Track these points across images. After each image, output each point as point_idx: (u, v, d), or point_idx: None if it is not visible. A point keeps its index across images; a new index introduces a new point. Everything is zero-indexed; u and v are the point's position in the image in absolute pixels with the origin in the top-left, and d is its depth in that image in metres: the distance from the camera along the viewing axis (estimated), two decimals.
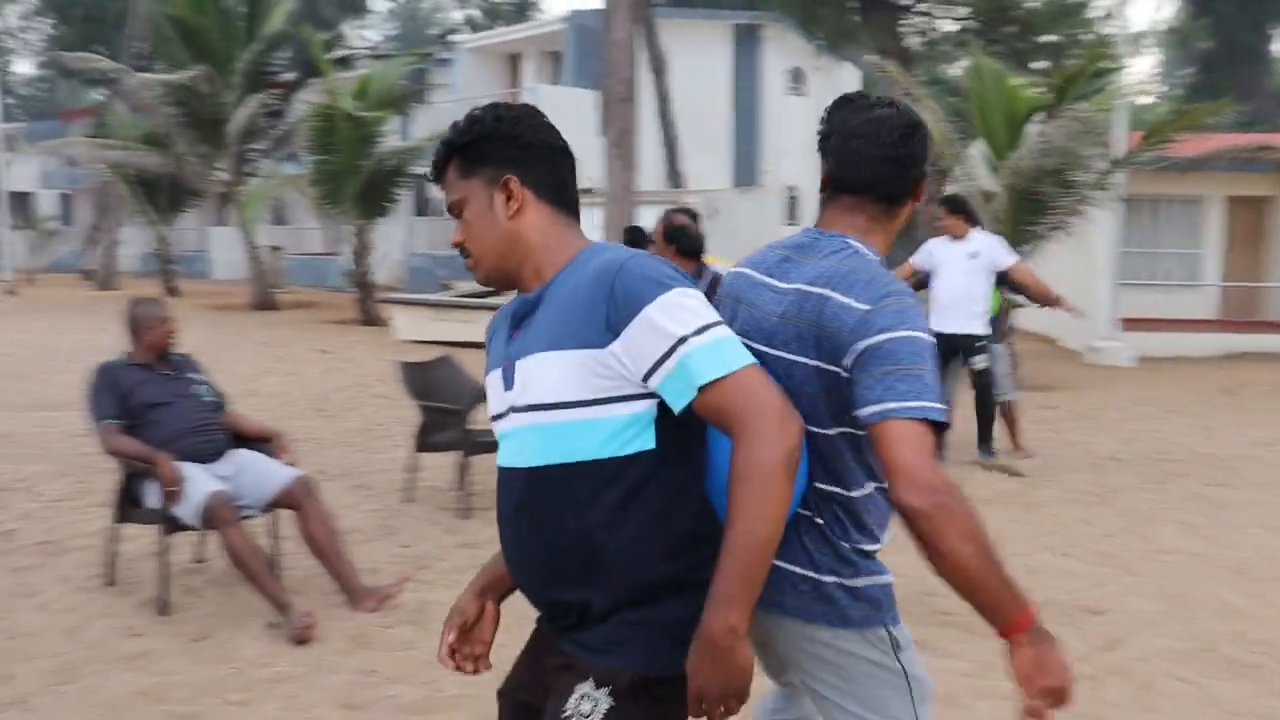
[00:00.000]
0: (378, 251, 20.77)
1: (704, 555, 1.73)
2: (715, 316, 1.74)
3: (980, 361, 7.40)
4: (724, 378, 1.68)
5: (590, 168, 22.38)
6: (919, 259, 7.54)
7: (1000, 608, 1.73)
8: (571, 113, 24.00)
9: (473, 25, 40.74)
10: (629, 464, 1.75)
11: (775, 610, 1.92)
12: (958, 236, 7.41)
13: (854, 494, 1.92)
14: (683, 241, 5.11)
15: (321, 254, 29.38)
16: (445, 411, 6.23)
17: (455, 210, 1.89)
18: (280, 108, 20.37)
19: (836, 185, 2.03)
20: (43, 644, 4.08)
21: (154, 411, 4.51)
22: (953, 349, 7.23)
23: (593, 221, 15.11)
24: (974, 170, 12.31)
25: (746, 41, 26.97)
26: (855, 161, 1.99)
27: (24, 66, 54.89)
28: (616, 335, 1.71)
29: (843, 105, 2.06)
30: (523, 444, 1.82)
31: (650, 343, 1.70)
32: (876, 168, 1.98)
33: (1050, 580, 5.00)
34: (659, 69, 20.84)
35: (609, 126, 12.65)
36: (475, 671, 2.10)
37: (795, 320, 1.91)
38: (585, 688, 1.77)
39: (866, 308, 1.82)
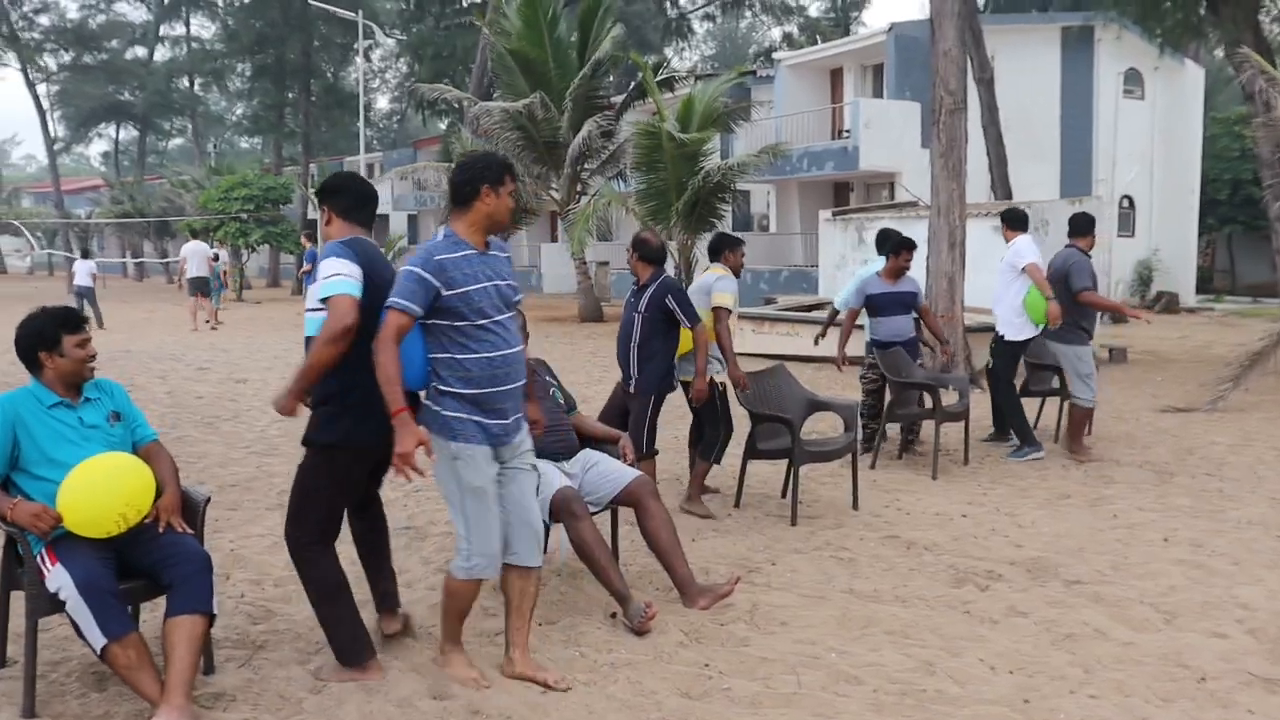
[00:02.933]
0: (701, 266, 21.35)
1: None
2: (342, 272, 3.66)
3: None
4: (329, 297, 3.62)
5: (911, 181, 22.01)
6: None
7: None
8: (894, 125, 23.70)
9: (790, 42, 41.02)
10: None
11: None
12: (1007, 241, 8.41)
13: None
14: (643, 251, 6.21)
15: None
16: (776, 420, 6.33)
17: None
18: (610, 128, 21.37)
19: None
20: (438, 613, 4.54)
21: None
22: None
23: (918, 234, 14.80)
24: None
25: (1077, 44, 25.53)
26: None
27: (382, 102, 60.63)
28: None
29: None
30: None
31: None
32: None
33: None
34: (986, 78, 20.12)
35: (936, 138, 12.33)
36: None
37: None
38: None
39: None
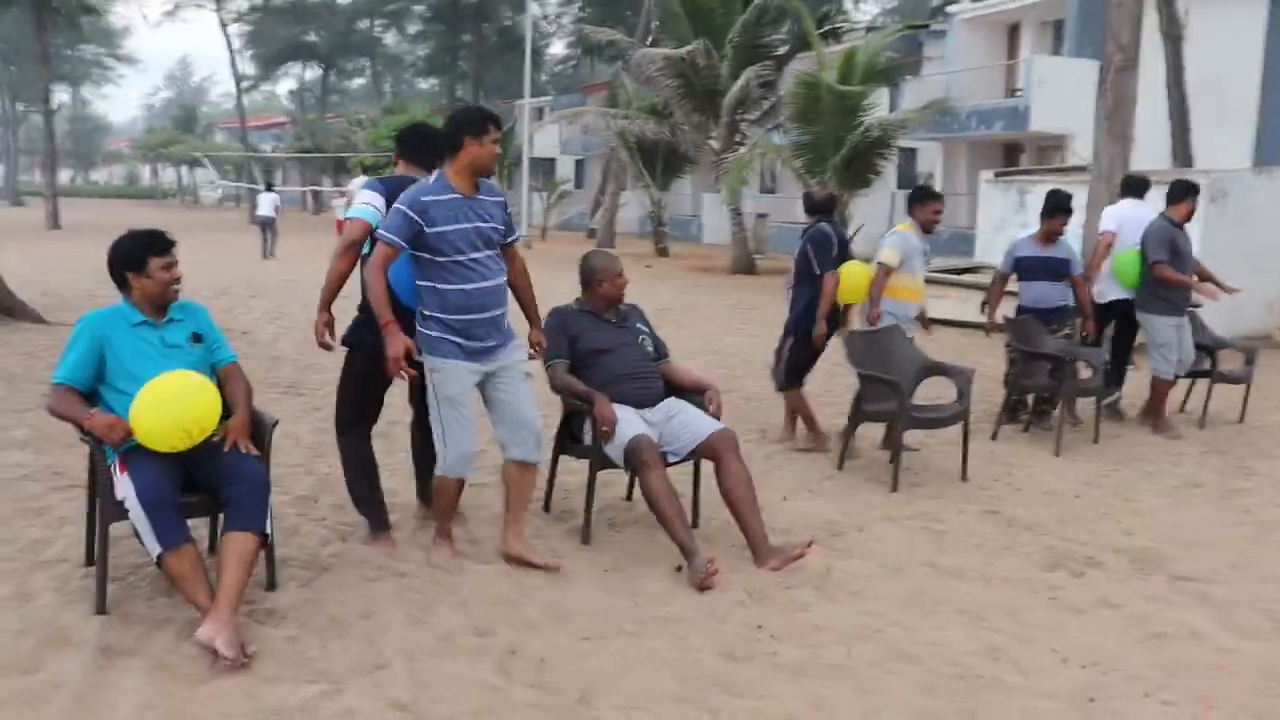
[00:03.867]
0: (857, 223, 20.86)
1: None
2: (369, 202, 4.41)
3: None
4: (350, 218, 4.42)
5: (1085, 144, 20.82)
6: None
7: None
8: (1069, 84, 22.42)
9: None
10: None
11: None
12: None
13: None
14: (805, 202, 7.02)
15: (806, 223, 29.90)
16: (884, 382, 6.10)
17: None
18: (772, 79, 20.96)
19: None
20: (487, 560, 4.59)
21: (598, 356, 4.85)
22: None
23: (1081, 200, 14.04)
24: None
25: None
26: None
27: (558, 47, 61.08)
28: None
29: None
30: None
31: None
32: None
33: None
34: (1174, 34, 18.78)
35: (1103, 97, 11.60)
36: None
37: None
38: None
39: None
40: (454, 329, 4.19)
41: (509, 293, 4.44)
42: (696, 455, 4.76)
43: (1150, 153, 21.72)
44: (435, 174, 4.23)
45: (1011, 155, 26.31)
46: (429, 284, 4.20)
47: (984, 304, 8.60)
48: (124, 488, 3.57)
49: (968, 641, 3.88)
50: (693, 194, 35.38)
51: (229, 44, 46.66)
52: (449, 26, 39.73)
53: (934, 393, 7.29)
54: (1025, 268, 7.66)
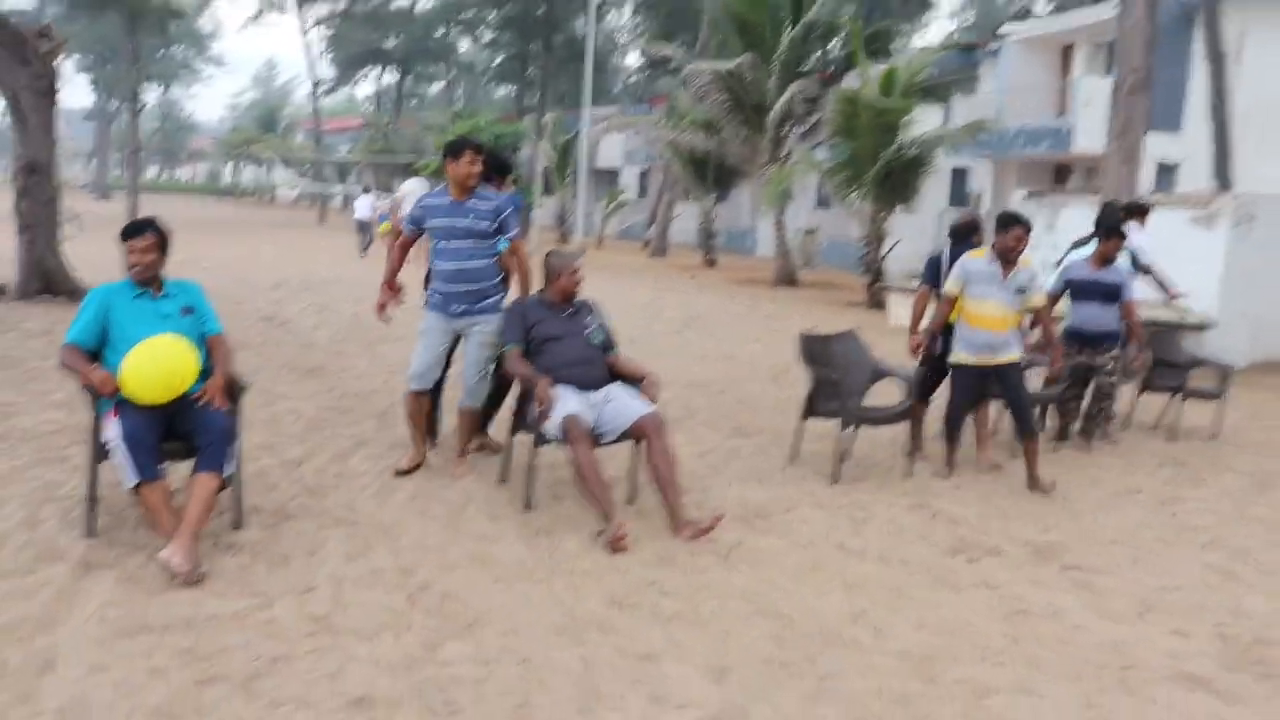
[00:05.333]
0: (900, 240, 21.15)
1: None
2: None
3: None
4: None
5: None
6: None
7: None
8: None
9: (1028, 15, 39.10)
10: None
11: None
12: None
13: None
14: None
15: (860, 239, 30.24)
16: (827, 379, 6.58)
17: None
18: (815, 95, 21.38)
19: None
20: (449, 515, 5.19)
21: (549, 343, 5.44)
22: None
23: (1075, 218, 14.21)
24: None
25: None
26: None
27: (632, 58, 61.89)
28: None
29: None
30: None
31: None
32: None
33: None
34: (1216, 58, 18.84)
35: (1115, 117, 11.91)
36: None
37: None
38: None
39: None
40: (438, 291, 5.83)
41: (493, 273, 5.82)
42: (628, 435, 5.31)
43: (1197, 175, 21.76)
44: (441, 184, 5.95)
45: (1062, 175, 26.39)
46: (433, 259, 5.84)
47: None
48: (111, 430, 4.25)
49: (840, 608, 4.36)
50: (751, 207, 35.82)
51: (307, 48, 48.26)
52: (519, 35, 40.77)
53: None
54: (1077, 289, 7.65)
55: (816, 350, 6.86)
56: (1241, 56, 23.13)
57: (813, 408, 6.77)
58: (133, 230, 4.65)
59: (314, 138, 48.76)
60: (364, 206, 23.95)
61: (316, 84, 45.30)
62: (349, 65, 56.34)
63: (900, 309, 15.71)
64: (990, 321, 6.60)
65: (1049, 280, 7.83)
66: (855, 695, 3.58)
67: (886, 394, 7.36)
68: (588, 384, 5.40)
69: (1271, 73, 23.29)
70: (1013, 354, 6.69)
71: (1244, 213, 14.19)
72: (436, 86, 69.50)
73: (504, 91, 64.72)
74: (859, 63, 19.78)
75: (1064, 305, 7.86)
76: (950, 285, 6.74)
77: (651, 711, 3.33)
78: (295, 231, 32.69)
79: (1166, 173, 24.10)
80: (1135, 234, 8.52)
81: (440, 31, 52.93)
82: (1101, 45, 25.39)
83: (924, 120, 20.25)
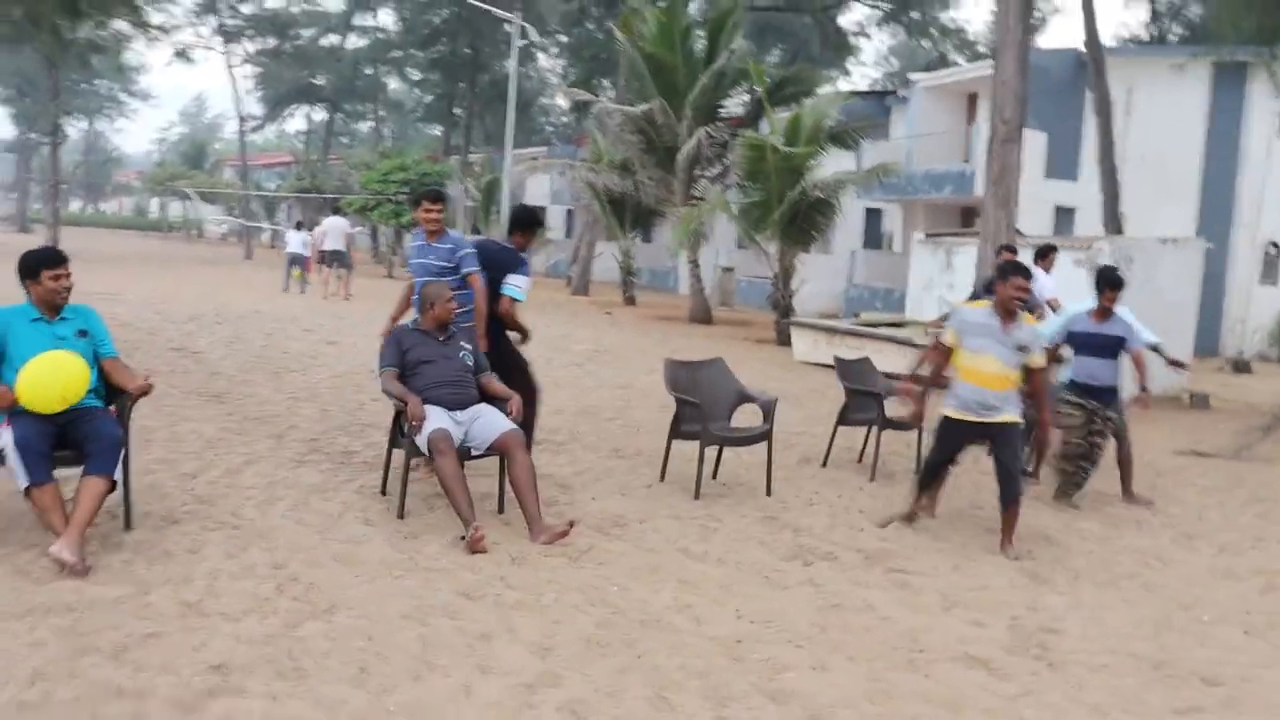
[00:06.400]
0: (807, 280, 21.96)
1: None
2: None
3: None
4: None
5: (1029, 209, 21.96)
6: None
7: None
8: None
9: (942, 64, 40.68)
10: None
11: None
12: None
13: None
14: None
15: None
16: (688, 403, 7.15)
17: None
18: (724, 139, 22.20)
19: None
20: (325, 522, 5.64)
21: (422, 366, 5.94)
22: None
23: (968, 260, 15.05)
24: None
25: (1229, 80, 24.82)
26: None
27: (560, 99, 62.75)
28: None
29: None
30: None
31: None
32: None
33: None
34: (1104, 110, 20.04)
35: (990, 165, 12.78)
36: None
37: None
38: None
39: None
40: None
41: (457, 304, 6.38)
42: (493, 450, 5.81)
43: (1090, 219, 22.91)
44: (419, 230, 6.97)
45: (969, 218, 27.54)
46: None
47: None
48: (4, 437, 4.65)
49: (669, 601, 4.88)
50: (671, 248, 36.60)
51: (234, 85, 48.41)
52: (446, 75, 41.41)
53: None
54: (1075, 343, 7.68)
55: (680, 376, 7.43)
56: (1131, 108, 24.51)
57: (677, 429, 7.31)
58: (56, 260, 5.06)
59: (241, 174, 48.78)
60: (296, 242, 24.40)
61: (244, 120, 45.41)
62: (277, 102, 56.46)
63: (803, 344, 16.45)
64: (986, 379, 6.18)
65: (1048, 329, 7.72)
66: (662, 669, 4.09)
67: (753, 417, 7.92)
68: (457, 404, 5.90)
69: (1159, 123, 24.70)
70: (1009, 415, 6.24)
71: (1122, 255, 15.19)
72: (368, 124, 69.82)
73: (434, 130, 65.28)
74: (766, 109, 20.68)
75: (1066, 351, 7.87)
76: (946, 335, 6.42)
77: (475, 678, 3.82)
78: (221, 267, 32.74)
79: (1065, 215, 25.35)
80: (1042, 276, 9.14)
81: (369, 70, 53.38)
82: None
83: (835, 164, 21.15)
